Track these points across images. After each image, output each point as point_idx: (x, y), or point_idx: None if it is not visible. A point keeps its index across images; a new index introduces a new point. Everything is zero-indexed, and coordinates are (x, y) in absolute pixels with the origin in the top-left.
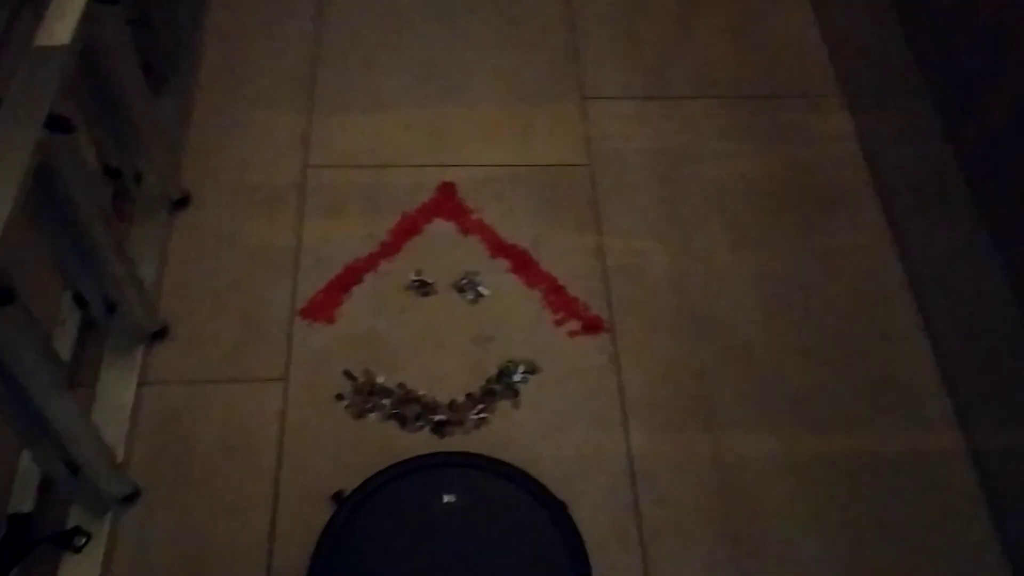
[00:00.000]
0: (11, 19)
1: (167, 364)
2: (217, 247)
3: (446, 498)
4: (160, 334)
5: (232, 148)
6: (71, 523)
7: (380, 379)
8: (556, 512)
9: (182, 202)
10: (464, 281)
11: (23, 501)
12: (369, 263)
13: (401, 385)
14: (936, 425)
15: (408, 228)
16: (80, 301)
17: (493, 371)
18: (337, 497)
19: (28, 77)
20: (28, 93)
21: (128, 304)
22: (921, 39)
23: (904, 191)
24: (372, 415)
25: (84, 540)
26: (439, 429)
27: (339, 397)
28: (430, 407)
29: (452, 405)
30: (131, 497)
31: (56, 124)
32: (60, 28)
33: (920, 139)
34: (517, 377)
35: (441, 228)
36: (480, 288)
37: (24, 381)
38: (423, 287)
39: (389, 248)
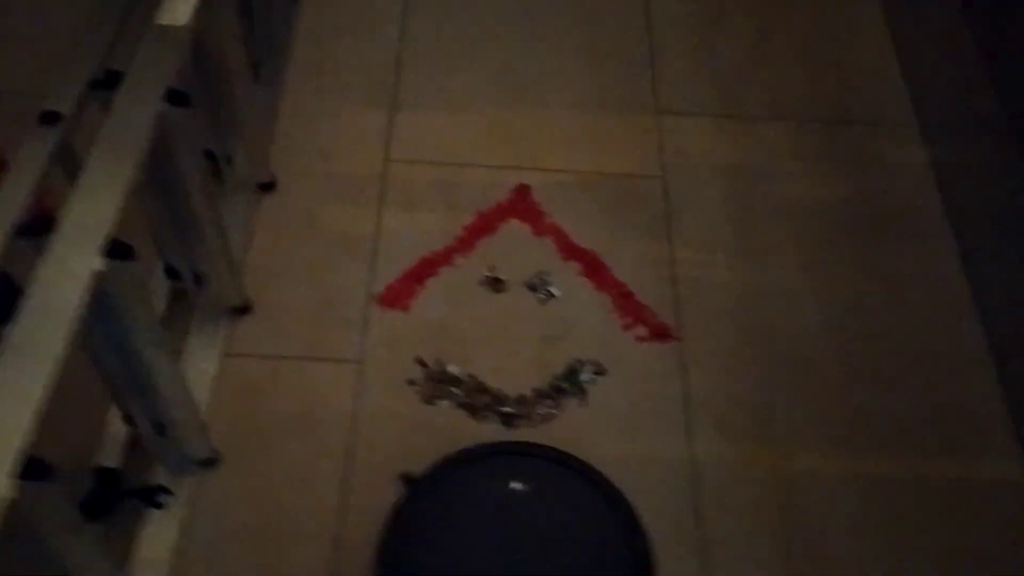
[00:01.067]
0: None
1: (249, 338)
2: (299, 231)
3: (514, 485)
4: (244, 310)
5: (317, 139)
6: (154, 483)
7: (451, 368)
8: (623, 510)
9: (268, 186)
10: (536, 280)
11: (110, 458)
12: (444, 256)
13: (471, 376)
14: (1001, 455)
15: (483, 226)
16: (171, 273)
17: (560, 369)
18: (405, 478)
19: (150, 53)
20: (150, 68)
21: (217, 279)
22: (1004, 75)
23: (977, 223)
24: (442, 402)
25: (168, 498)
26: (508, 421)
27: (411, 382)
28: (499, 399)
29: (520, 399)
30: (210, 462)
31: (175, 98)
32: (181, 9)
33: (997, 174)
34: (585, 377)
35: (515, 228)
36: (551, 288)
37: (132, 338)
38: (496, 283)
39: (464, 244)
